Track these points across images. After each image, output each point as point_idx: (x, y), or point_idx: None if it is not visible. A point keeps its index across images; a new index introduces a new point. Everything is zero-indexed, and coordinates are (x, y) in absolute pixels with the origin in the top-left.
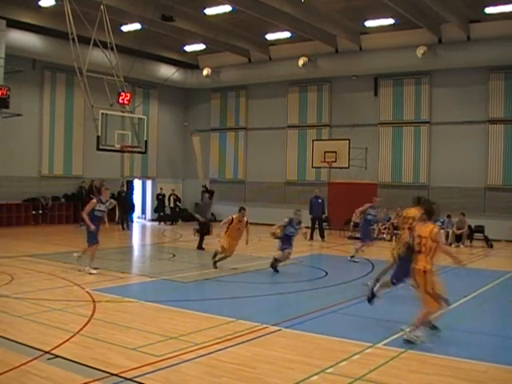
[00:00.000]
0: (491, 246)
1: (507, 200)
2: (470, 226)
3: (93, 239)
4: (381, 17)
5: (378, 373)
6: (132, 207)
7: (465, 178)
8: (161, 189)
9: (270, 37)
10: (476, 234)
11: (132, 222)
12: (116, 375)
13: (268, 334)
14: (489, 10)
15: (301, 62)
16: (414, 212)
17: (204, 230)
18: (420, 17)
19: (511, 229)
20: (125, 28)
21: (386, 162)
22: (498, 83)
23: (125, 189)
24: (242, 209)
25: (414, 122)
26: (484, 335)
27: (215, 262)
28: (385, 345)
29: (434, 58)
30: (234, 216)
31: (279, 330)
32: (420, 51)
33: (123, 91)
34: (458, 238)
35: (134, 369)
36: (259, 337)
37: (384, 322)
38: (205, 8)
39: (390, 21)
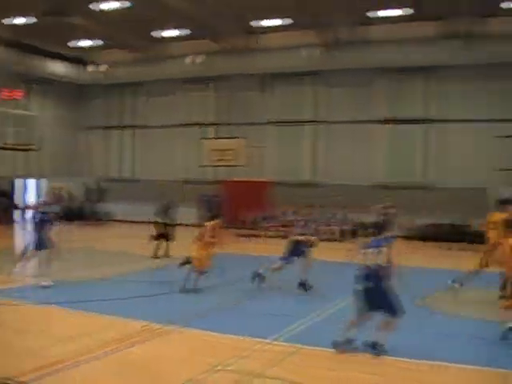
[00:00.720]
0: None
1: (393, 197)
2: (361, 223)
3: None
4: (276, 17)
5: (274, 368)
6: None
7: (355, 175)
8: (53, 187)
9: (165, 34)
10: (365, 230)
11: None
12: (11, 379)
13: (164, 333)
14: (382, 14)
15: (194, 59)
16: (498, 216)
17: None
18: (314, 18)
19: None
20: (17, 21)
21: (282, 160)
22: (387, 84)
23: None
24: (218, 215)
25: (311, 121)
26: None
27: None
28: (281, 340)
29: (328, 59)
30: (210, 223)
31: (175, 328)
32: (313, 51)
33: (11, 86)
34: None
35: (29, 372)
36: (155, 336)
37: (280, 317)
38: (100, 3)
39: (285, 21)
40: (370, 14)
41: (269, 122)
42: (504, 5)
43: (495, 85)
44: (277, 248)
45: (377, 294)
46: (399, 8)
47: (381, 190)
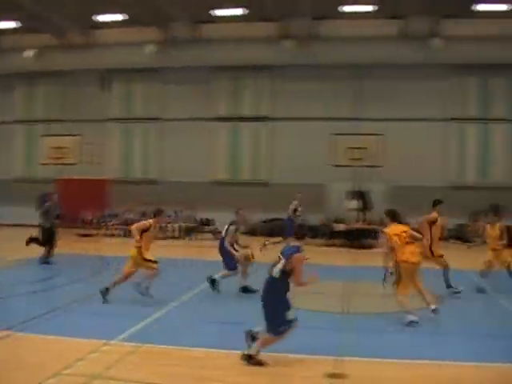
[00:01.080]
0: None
1: (234, 193)
2: (201, 219)
3: None
4: (115, 12)
5: (114, 369)
6: None
7: (193, 172)
8: None
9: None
10: (206, 227)
11: None
12: None
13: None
14: (219, 13)
15: (29, 54)
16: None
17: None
18: (150, 14)
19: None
20: None
21: (118, 158)
22: (226, 82)
23: None
24: (160, 212)
25: (144, 119)
26: (219, 323)
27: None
28: (122, 340)
29: (165, 56)
30: (150, 221)
31: (10, 334)
32: (150, 48)
33: None
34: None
35: None
36: None
37: (120, 317)
38: None
39: (121, 16)
40: (211, 13)
41: (109, 119)
42: (340, 8)
43: (330, 85)
44: (117, 247)
45: (264, 306)
46: (237, 7)
47: (221, 186)
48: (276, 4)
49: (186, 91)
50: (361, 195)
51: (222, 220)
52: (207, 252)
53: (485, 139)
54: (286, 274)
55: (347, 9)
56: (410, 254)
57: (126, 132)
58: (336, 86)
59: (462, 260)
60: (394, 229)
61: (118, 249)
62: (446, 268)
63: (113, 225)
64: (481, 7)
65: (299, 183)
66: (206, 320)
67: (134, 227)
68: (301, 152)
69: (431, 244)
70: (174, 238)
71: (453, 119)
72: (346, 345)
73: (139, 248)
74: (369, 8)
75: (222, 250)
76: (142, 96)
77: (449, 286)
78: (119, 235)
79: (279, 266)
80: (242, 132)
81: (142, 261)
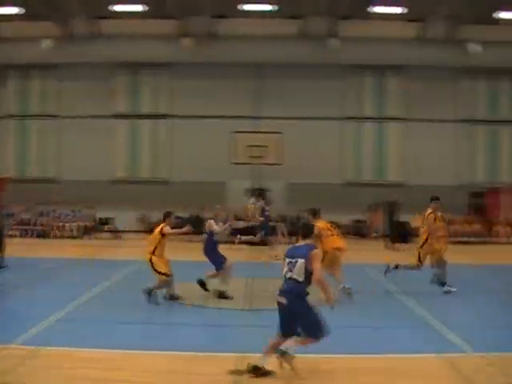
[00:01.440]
0: (120, 238)
1: (133, 192)
2: (100, 218)
3: None
4: (8, 5)
5: (14, 374)
6: None
7: (91, 170)
8: None
9: None
10: (105, 226)
11: None
12: None
13: None
14: (118, 9)
15: None
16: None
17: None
18: (48, 8)
19: (136, 220)
20: None
21: (13, 156)
22: (123, 79)
23: None
24: (169, 214)
25: (41, 116)
26: (119, 324)
27: (172, 297)
28: (19, 343)
29: (62, 52)
30: (163, 226)
31: None
32: (47, 43)
33: None
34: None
35: None
36: None
37: (17, 319)
38: None
39: (17, 9)
40: (110, 9)
41: (4, 116)
42: (240, 7)
43: (230, 83)
44: (13, 248)
45: (292, 314)
46: (137, 4)
47: (120, 185)
48: (176, 2)
49: (84, 88)
50: (260, 193)
51: (122, 219)
52: (106, 251)
53: (380, 138)
54: (309, 274)
55: (247, 7)
56: (340, 242)
57: (22, 129)
58: (235, 85)
59: (359, 254)
60: (322, 223)
61: (15, 249)
62: (412, 266)
63: (9, 225)
64: (376, 9)
65: (199, 181)
66: (108, 320)
67: (168, 233)
68: (200, 150)
69: (426, 241)
70: (72, 237)
71: (349, 118)
72: (250, 341)
73: (150, 254)
74: (268, 7)
75: (206, 250)
76: (39, 92)
77: (386, 271)
78: (15, 236)
79: (299, 268)
80: (141, 130)
81: (152, 270)
